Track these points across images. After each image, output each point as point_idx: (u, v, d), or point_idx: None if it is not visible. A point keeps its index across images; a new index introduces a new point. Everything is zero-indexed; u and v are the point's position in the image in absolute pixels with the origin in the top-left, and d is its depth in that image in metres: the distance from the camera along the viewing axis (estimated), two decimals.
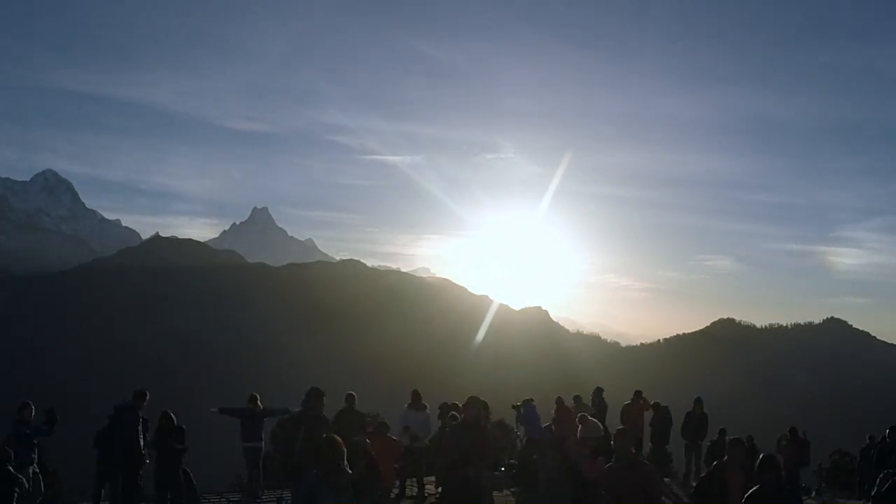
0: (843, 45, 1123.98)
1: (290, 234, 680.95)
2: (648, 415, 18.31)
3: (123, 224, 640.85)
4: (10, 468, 10.39)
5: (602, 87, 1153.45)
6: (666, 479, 17.56)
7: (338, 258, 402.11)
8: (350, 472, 5.84)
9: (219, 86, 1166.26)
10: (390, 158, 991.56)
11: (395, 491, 14.23)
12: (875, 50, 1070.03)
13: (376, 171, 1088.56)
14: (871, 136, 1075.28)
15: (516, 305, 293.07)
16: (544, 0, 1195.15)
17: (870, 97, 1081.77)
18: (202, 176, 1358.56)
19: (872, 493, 12.24)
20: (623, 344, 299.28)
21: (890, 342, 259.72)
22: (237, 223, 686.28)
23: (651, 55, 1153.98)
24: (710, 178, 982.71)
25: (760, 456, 7.30)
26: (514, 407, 17.34)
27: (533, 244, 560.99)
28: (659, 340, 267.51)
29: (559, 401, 14.97)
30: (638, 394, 18.13)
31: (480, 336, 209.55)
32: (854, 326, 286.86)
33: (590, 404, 17.39)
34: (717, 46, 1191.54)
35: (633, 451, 8.23)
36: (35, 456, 11.91)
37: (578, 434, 11.17)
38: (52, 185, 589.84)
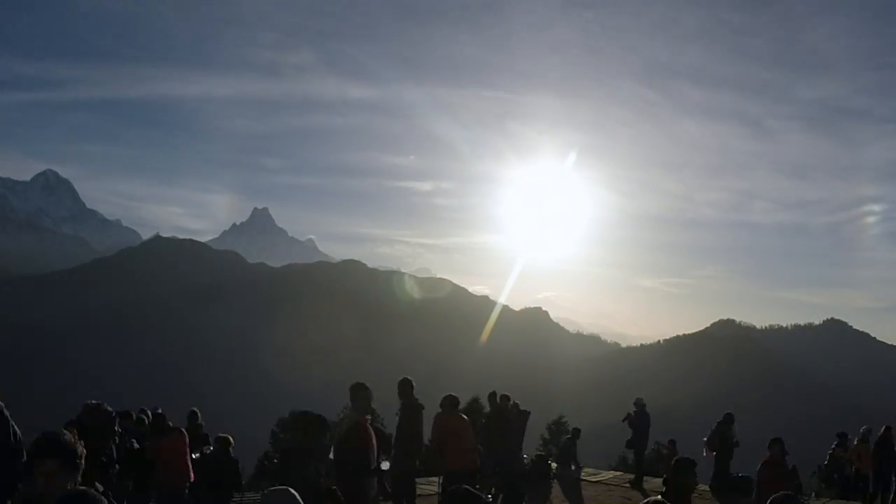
0: None
1: (290, 234, 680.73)
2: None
3: (123, 224, 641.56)
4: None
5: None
6: None
7: (338, 258, 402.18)
8: None
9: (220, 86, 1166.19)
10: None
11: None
12: None
13: None
14: None
15: (516, 306, 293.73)
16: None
17: None
18: (203, 176, 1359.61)
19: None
20: (623, 344, 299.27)
21: (889, 343, 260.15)
22: (237, 223, 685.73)
23: None
24: None
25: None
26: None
27: (533, 243, 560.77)
28: (659, 341, 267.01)
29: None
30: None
31: (485, 336, 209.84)
32: (854, 327, 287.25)
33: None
34: None
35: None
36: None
37: None
38: (53, 185, 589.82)
